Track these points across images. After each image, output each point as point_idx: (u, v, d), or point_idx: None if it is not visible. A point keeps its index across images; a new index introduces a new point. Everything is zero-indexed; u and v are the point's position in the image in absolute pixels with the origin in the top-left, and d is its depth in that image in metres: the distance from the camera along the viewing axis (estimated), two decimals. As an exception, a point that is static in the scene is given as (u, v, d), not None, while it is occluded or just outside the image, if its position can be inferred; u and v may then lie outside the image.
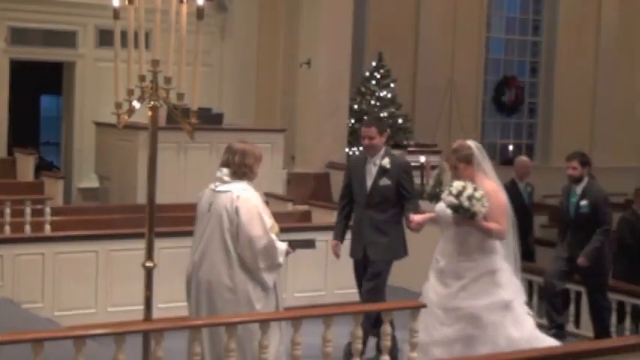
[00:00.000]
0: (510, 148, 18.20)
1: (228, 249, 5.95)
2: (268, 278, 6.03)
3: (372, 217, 7.44)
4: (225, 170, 6.09)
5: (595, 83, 18.36)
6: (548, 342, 6.45)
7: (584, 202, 8.80)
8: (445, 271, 6.49)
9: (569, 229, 9.02)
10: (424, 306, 5.86)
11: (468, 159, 6.53)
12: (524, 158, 11.62)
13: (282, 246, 6.09)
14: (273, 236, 6.04)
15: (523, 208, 10.52)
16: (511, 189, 10.61)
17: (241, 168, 6.07)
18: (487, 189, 6.39)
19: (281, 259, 6.08)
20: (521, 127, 18.57)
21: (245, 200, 5.97)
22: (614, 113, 18.25)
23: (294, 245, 6.33)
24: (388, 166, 7.43)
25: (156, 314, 5.69)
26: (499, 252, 6.52)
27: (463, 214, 6.28)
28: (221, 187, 6.05)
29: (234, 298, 5.94)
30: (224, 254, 5.96)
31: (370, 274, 7.48)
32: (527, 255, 10.51)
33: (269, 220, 6.07)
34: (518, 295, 6.58)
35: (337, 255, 7.63)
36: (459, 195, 6.24)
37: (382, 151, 7.51)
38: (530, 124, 18.60)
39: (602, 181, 10.98)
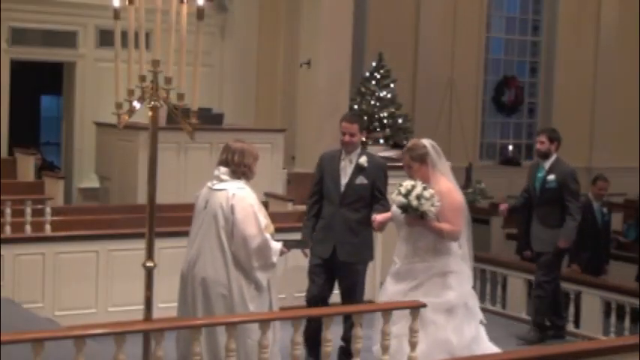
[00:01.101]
0: (510, 148, 18.21)
1: (224, 247, 5.98)
2: (262, 277, 6.06)
3: (345, 216, 7.27)
4: (222, 169, 6.12)
5: (595, 83, 18.35)
6: (487, 350, 6.30)
7: (551, 177, 8.72)
8: (400, 273, 6.40)
9: (533, 205, 8.90)
10: (424, 305, 5.80)
11: (422, 158, 6.40)
12: None
13: (276, 245, 6.11)
14: (268, 236, 6.06)
15: None
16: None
17: (240, 167, 6.11)
18: (442, 189, 6.30)
19: (275, 259, 6.10)
20: (520, 127, 18.56)
21: (240, 199, 5.99)
22: (614, 113, 18.24)
23: (288, 245, 6.34)
24: (365, 164, 7.31)
25: (156, 314, 5.68)
26: (454, 253, 6.40)
27: (412, 213, 6.19)
28: (218, 186, 6.09)
29: (229, 296, 5.98)
30: (219, 252, 5.98)
31: (347, 281, 7.32)
32: None
33: (264, 220, 6.09)
34: (469, 299, 6.44)
35: (306, 255, 7.38)
36: (407, 194, 6.16)
37: (359, 149, 7.41)
38: (529, 124, 18.59)
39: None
